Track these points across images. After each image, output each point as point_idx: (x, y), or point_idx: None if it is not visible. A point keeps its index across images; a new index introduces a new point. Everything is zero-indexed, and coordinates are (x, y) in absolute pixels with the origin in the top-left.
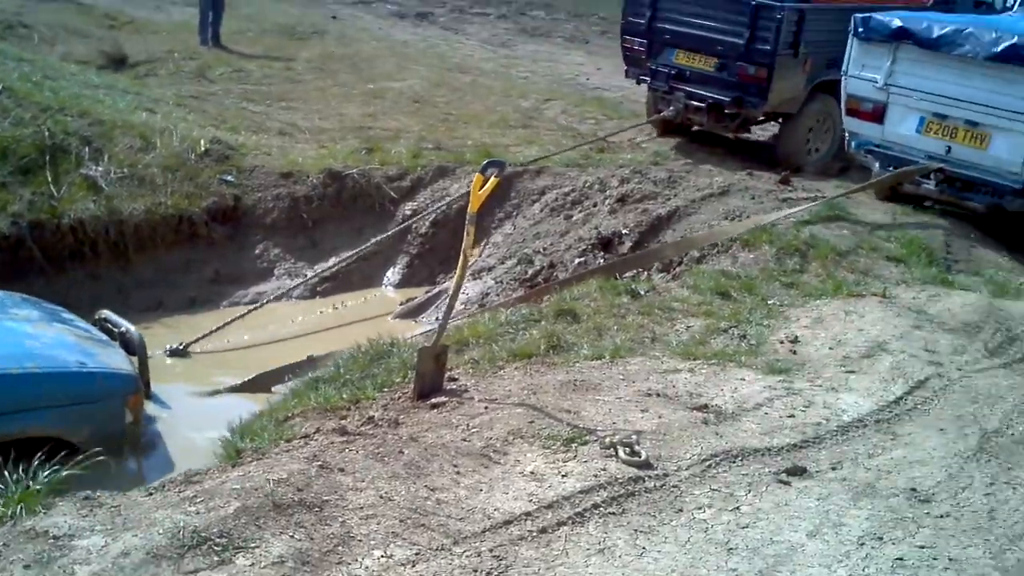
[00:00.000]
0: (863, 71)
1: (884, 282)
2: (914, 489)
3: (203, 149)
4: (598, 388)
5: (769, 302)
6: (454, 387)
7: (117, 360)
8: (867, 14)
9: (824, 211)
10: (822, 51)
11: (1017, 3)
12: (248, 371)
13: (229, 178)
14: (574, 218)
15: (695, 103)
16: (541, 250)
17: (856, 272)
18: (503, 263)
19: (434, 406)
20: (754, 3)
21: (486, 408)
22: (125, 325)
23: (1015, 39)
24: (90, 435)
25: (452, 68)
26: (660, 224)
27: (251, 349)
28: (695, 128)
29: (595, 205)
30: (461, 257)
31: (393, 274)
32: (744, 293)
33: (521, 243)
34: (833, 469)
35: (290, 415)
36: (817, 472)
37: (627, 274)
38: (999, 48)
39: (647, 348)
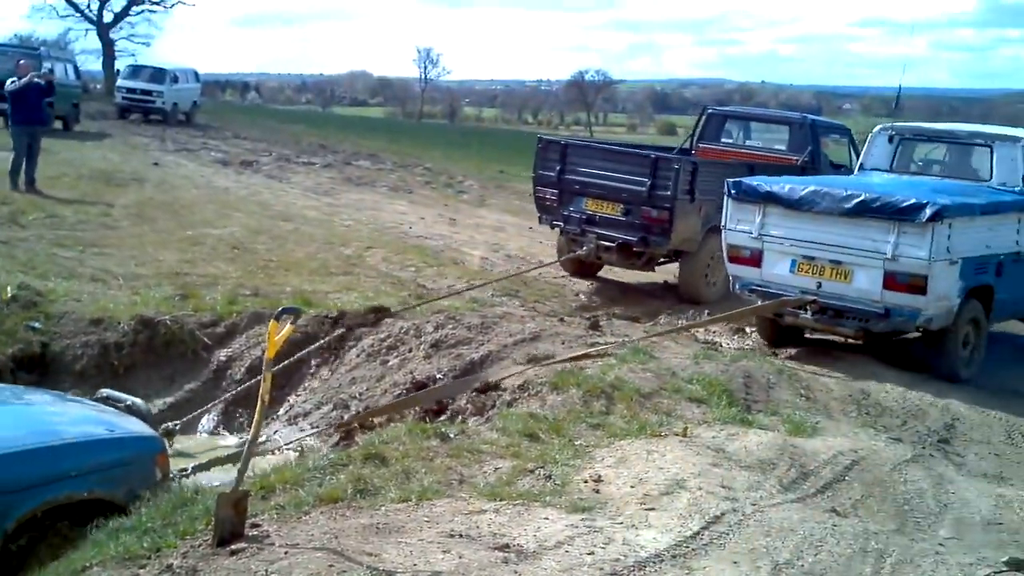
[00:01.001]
0: (739, 225)
1: (686, 422)
2: None
3: (9, 295)
4: (402, 530)
5: (576, 443)
6: (256, 533)
7: (138, 425)
8: (738, 179)
9: (630, 355)
10: (714, 199)
11: (857, 168)
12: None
13: (36, 325)
14: (390, 363)
15: (606, 243)
16: (357, 395)
17: (660, 413)
18: (319, 408)
19: (233, 552)
20: (654, 156)
21: (286, 553)
22: (130, 399)
23: (863, 196)
24: (126, 494)
25: (275, 215)
26: (473, 368)
27: None
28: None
29: (411, 350)
30: (259, 402)
31: (208, 421)
32: (552, 434)
33: (338, 388)
34: None
35: (88, 565)
36: None
37: (440, 418)
38: (850, 204)
39: (454, 490)
